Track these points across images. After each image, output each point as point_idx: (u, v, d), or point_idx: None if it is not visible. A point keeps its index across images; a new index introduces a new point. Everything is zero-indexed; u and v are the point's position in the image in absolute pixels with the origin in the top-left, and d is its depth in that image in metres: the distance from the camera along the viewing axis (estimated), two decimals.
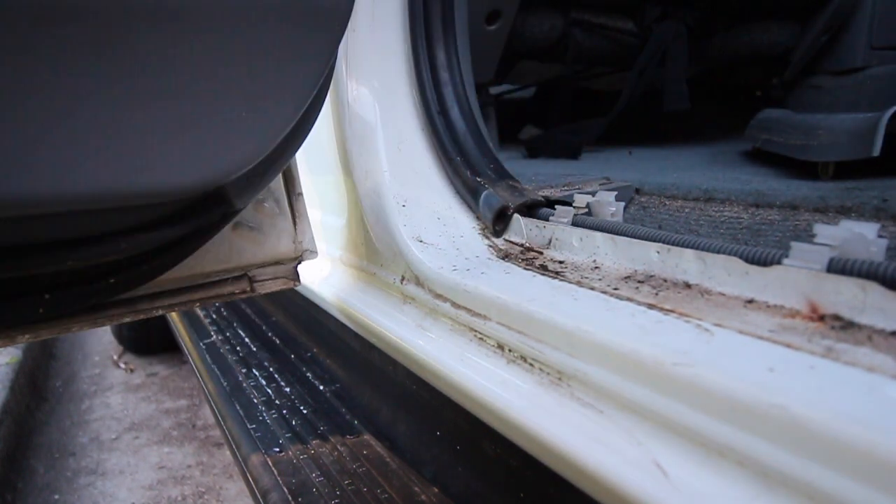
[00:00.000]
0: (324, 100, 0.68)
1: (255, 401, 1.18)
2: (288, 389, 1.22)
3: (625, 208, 0.81)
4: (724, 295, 0.50)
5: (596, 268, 0.63)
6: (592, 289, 0.58)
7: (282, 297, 1.50)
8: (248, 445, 1.00)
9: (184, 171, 0.48)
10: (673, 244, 0.56)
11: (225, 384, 1.28)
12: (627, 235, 0.61)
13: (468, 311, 0.67)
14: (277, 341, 1.50)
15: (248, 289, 0.80)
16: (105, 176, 0.43)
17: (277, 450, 0.98)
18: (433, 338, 0.72)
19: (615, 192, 0.74)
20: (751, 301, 0.48)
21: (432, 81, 0.90)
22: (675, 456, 0.42)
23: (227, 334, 1.62)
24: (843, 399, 0.34)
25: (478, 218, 0.83)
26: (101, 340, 2.87)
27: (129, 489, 1.71)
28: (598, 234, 0.64)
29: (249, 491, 0.97)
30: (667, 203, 0.99)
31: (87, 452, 1.92)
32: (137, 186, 0.45)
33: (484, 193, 0.80)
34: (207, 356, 1.47)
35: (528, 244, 0.74)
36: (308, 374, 1.27)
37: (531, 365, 0.57)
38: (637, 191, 1.06)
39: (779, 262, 0.46)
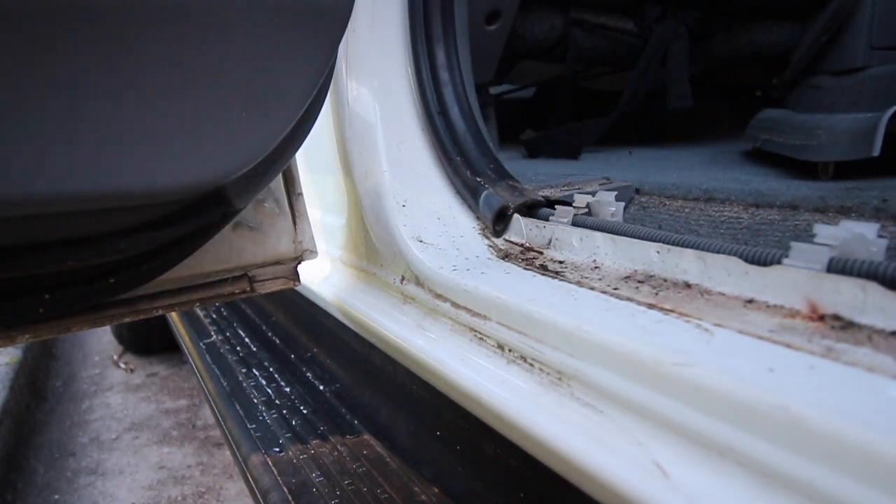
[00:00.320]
0: (324, 100, 0.68)
1: (255, 401, 1.18)
2: (288, 389, 1.22)
3: (625, 208, 0.81)
4: (724, 295, 0.50)
5: (596, 268, 0.63)
6: (592, 289, 0.58)
7: (282, 297, 1.50)
8: (248, 445, 1.00)
9: (184, 171, 0.48)
10: (673, 244, 0.56)
11: (225, 384, 1.28)
12: (627, 235, 0.61)
13: (468, 311, 0.67)
14: (277, 341, 1.50)
15: (248, 289, 0.80)
16: (105, 176, 0.43)
17: (277, 450, 0.98)
18: (433, 338, 0.72)
19: (615, 192, 0.74)
20: (751, 301, 0.48)
21: (432, 81, 0.90)
22: (675, 456, 0.42)
23: (227, 334, 1.62)
24: (843, 399, 0.34)
25: (478, 218, 0.83)
26: (101, 340, 2.87)
27: (129, 489, 1.71)
28: (598, 234, 0.64)
29: (249, 491, 0.97)
30: (667, 203, 0.99)
31: (87, 452, 1.92)
32: (137, 186, 0.45)
33: (484, 193, 0.80)
34: (207, 356, 1.47)
35: (528, 244, 0.74)
36: (308, 374, 1.27)
37: (531, 365, 0.57)
38: (637, 191, 1.06)
39: (779, 262, 0.46)
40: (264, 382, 1.26)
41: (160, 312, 0.73)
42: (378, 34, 0.91)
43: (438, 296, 0.73)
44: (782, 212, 0.85)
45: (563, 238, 0.69)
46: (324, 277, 1.09)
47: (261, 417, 1.10)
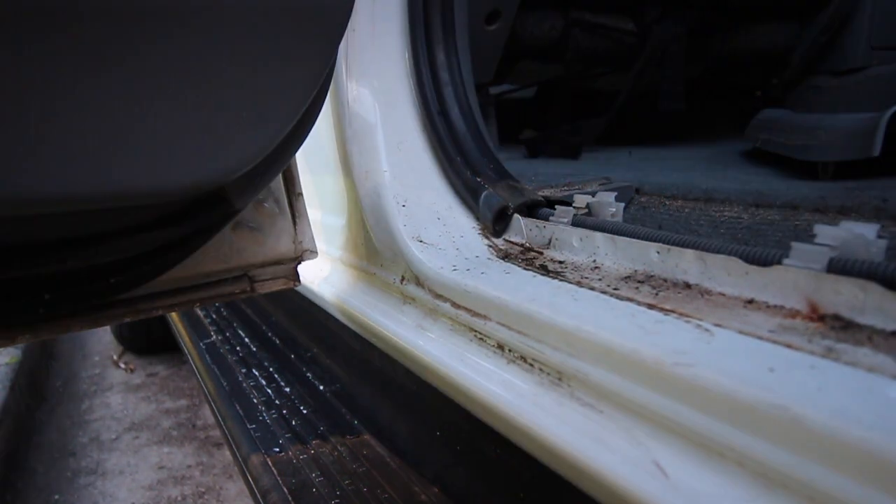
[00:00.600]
0: (324, 100, 0.68)
1: (255, 401, 1.18)
2: (288, 389, 1.22)
3: (625, 208, 0.81)
4: (724, 295, 0.50)
5: (596, 268, 0.63)
6: (592, 289, 0.58)
7: (282, 297, 1.50)
8: (248, 445, 1.00)
9: (184, 171, 0.48)
10: (673, 244, 0.56)
11: (225, 384, 1.28)
12: (627, 235, 0.61)
13: (468, 311, 0.67)
14: (277, 341, 1.50)
15: (248, 289, 0.80)
16: (105, 176, 0.43)
17: (277, 450, 0.98)
18: (433, 338, 0.72)
19: (615, 192, 0.74)
20: (751, 301, 0.48)
21: (432, 81, 0.90)
22: (674, 456, 0.42)
23: (227, 334, 1.62)
24: (843, 399, 0.34)
25: (478, 218, 0.83)
26: (101, 340, 2.87)
27: (129, 489, 1.71)
28: (598, 235, 0.64)
29: (249, 491, 0.97)
30: (667, 203, 0.99)
31: (87, 452, 1.92)
32: (138, 187, 0.45)
33: (484, 193, 0.80)
34: (207, 356, 1.47)
35: (528, 244, 0.74)
36: (308, 374, 1.27)
37: (531, 365, 0.57)
38: (637, 191, 1.06)
39: (779, 263, 0.46)
40: (264, 382, 1.26)
41: (160, 312, 0.73)
42: (378, 34, 0.91)
43: (438, 296, 0.73)
44: (782, 212, 0.85)
45: (563, 238, 0.69)
46: (324, 277, 1.09)
47: (261, 417, 1.10)
